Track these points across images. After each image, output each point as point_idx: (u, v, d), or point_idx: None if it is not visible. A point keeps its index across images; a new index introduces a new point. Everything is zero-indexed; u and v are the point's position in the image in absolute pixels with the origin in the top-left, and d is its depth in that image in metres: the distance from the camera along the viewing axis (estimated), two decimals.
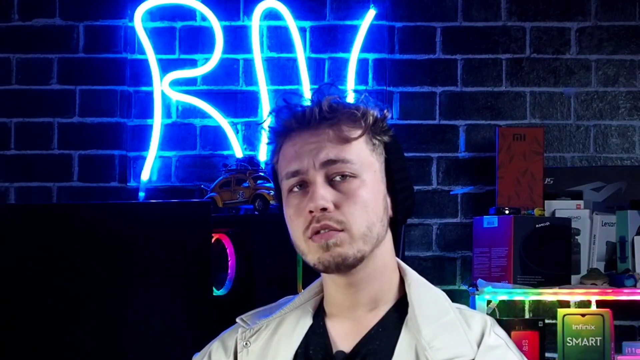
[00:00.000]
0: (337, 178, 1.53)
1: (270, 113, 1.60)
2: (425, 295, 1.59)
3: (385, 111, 1.59)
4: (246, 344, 1.61)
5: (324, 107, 1.55)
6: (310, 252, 1.53)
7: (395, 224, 1.60)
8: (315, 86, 3.49)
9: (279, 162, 1.59)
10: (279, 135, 1.58)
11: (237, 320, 1.66)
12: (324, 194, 1.51)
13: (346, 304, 1.59)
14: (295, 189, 1.55)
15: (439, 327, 1.55)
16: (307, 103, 1.57)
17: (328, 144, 1.54)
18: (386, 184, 1.58)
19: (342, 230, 1.51)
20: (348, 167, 1.53)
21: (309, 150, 1.54)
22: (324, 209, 1.51)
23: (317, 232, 1.52)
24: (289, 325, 1.61)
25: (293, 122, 1.56)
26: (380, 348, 1.55)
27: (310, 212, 1.51)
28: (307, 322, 1.61)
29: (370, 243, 1.54)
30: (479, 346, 1.53)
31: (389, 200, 1.58)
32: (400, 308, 1.59)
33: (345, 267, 1.53)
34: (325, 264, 1.52)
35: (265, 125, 1.61)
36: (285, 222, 1.58)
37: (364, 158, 1.55)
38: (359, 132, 1.55)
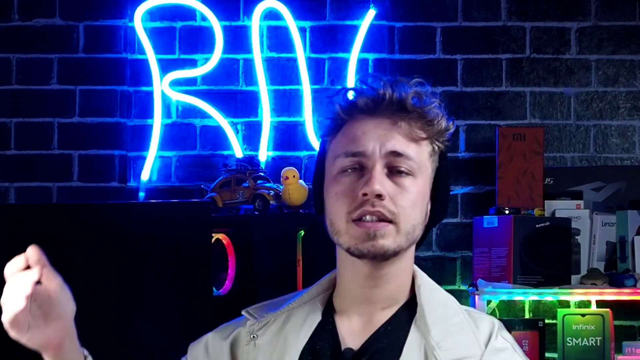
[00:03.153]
0: (395, 171, 1.53)
1: (343, 89, 1.59)
2: (435, 297, 1.60)
3: (451, 123, 1.60)
4: (253, 336, 1.61)
5: (407, 100, 1.54)
6: (347, 234, 1.52)
7: (424, 231, 1.61)
8: (316, 86, 3.52)
9: (337, 140, 1.58)
10: (345, 113, 1.57)
11: (243, 312, 1.65)
12: (382, 181, 1.51)
13: (360, 299, 1.58)
14: (349, 170, 1.54)
15: (448, 328, 1.56)
16: (387, 90, 1.55)
17: (397, 136, 1.54)
18: (430, 192, 1.59)
19: (391, 222, 1.51)
20: (409, 164, 1.54)
21: (378, 136, 1.53)
22: (379, 196, 1.51)
23: (361, 219, 1.51)
24: (297, 320, 1.60)
25: (370, 104, 1.55)
26: (388, 346, 1.55)
27: (364, 195, 1.51)
28: (316, 317, 1.60)
29: (409, 241, 1.55)
30: (486, 347, 1.54)
31: (429, 207, 1.59)
32: (410, 308, 1.59)
33: (382, 258, 1.53)
34: (364, 252, 1.52)
35: (350, 95, 1.59)
36: (324, 198, 1.57)
37: (423, 161, 1.56)
38: (427, 134, 1.56)
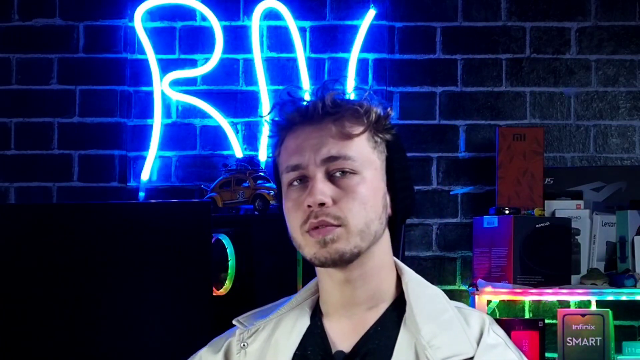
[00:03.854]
0: (337, 174, 1.53)
1: (273, 106, 1.60)
2: (423, 294, 1.59)
3: (389, 109, 1.59)
4: (244, 345, 1.61)
5: (327, 102, 1.55)
6: (307, 245, 1.53)
7: (394, 223, 1.60)
8: (315, 86, 3.51)
9: (281, 156, 1.59)
10: (281, 129, 1.58)
11: (234, 321, 1.65)
12: (322, 189, 1.52)
13: (343, 302, 1.58)
14: (295, 183, 1.55)
15: (438, 326, 1.54)
16: (311, 98, 1.57)
17: (330, 139, 1.54)
18: (386, 183, 1.58)
19: (339, 226, 1.51)
20: (349, 163, 1.53)
21: (311, 145, 1.54)
22: (322, 204, 1.51)
23: (315, 228, 1.52)
24: (286, 326, 1.61)
25: (296, 116, 1.56)
26: (379, 347, 1.54)
27: (309, 206, 1.51)
28: (305, 322, 1.61)
29: (367, 240, 1.54)
30: (478, 344, 1.53)
31: (388, 198, 1.58)
32: (398, 307, 1.58)
33: (342, 262, 1.53)
34: (322, 260, 1.52)
35: (268, 118, 1.61)
36: (284, 215, 1.58)
37: (365, 155, 1.55)
38: (361, 128, 1.55)
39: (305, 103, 1.56)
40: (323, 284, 1.60)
